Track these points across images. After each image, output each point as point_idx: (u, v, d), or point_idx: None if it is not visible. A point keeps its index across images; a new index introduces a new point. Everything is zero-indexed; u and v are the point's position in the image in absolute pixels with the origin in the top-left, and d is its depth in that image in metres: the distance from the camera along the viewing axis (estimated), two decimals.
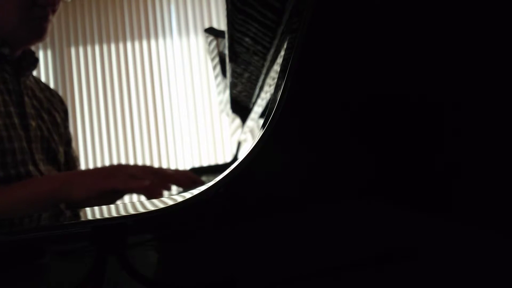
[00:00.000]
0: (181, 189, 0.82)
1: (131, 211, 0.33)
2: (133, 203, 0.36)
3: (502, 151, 0.31)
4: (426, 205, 0.32)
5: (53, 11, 0.83)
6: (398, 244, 0.32)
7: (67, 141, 0.96)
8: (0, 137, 0.74)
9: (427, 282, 0.31)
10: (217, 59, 1.03)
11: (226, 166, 1.07)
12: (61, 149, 0.90)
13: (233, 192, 0.32)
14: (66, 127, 0.97)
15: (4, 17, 0.78)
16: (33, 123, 0.83)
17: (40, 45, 2.82)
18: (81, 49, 2.95)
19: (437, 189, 0.32)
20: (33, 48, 0.89)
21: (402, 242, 0.32)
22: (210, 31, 0.97)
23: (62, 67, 2.92)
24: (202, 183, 0.73)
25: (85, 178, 0.67)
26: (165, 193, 0.73)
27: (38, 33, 0.82)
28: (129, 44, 2.96)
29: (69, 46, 2.93)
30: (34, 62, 0.88)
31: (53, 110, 0.93)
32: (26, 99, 0.84)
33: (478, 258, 0.31)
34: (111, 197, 0.73)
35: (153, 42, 2.97)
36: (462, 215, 0.32)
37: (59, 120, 0.93)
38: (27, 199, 0.64)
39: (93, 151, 2.91)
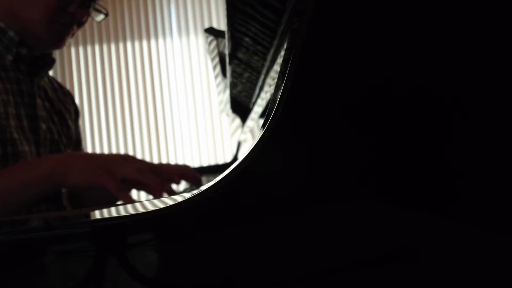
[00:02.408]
0: (181, 189, 0.81)
1: (131, 211, 0.33)
2: (133, 203, 0.36)
3: (502, 151, 0.31)
4: (426, 205, 0.32)
5: (79, 24, 0.82)
6: (398, 244, 0.32)
7: (76, 141, 0.95)
8: (13, 139, 0.73)
9: (427, 282, 0.31)
10: (217, 59, 1.03)
11: (226, 166, 1.07)
12: (69, 152, 0.90)
13: (233, 192, 0.32)
14: (77, 126, 0.96)
15: (31, 16, 0.77)
16: (44, 126, 0.82)
17: None
18: (81, 49, 2.95)
19: (437, 189, 0.32)
20: None
21: (402, 242, 0.32)
22: (210, 31, 0.97)
23: (62, 67, 2.92)
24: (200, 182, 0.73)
25: (84, 165, 0.63)
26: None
27: (58, 39, 0.81)
28: (129, 44, 2.96)
29: (69, 46, 2.93)
30: (50, 62, 0.86)
31: (64, 111, 0.91)
32: (38, 101, 0.82)
33: (478, 258, 0.31)
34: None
35: (153, 42, 2.97)
36: (462, 215, 0.32)
37: (69, 121, 0.92)
38: (21, 182, 0.62)
39: (93, 151, 2.91)
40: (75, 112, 0.97)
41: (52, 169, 0.63)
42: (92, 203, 0.83)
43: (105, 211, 0.34)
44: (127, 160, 0.65)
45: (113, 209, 0.35)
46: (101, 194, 0.68)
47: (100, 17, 0.87)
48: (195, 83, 2.96)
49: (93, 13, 0.85)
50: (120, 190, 0.60)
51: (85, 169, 0.62)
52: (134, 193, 0.78)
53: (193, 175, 0.75)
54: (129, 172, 0.62)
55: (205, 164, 2.44)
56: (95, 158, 0.67)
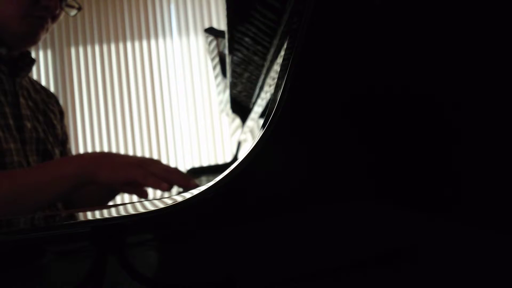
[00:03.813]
0: (181, 189, 0.81)
1: (131, 211, 0.33)
2: (133, 203, 0.36)
3: (502, 151, 0.31)
4: (426, 205, 0.32)
5: (53, 18, 0.83)
6: (398, 244, 0.32)
7: (62, 141, 0.96)
8: None
9: (427, 282, 0.31)
10: (217, 59, 1.02)
11: (226, 166, 1.07)
12: (56, 151, 0.90)
13: (233, 192, 0.32)
14: (62, 126, 0.97)
15: (4, 12, 0.77)
16: (28, 125, 0.83)
17: (40, 45, 2.82)
18: (81, 49, 2.95)
19: (437, 189, 0.32)
20: (33, 47, 0.88)
21: (402, 242, 0.32)
22: (210, 31, 0.97)
23: (62, 67, 2.92)
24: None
25: (114, 161, 0.66)
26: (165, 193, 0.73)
27: (33, 34, 0.81)
28: (129, 44, 2.96)
29: (69, 46, 2.93)
30: (30, 63, 0.87)
31: (48, 111, 0.92)
32: (21, 100, 0.83)
33: (478, 258, 0.31)
34: (128, 189, 0.74)
35: (153, 42, 2.97)
36: (462, 215, 0.32)
37: (54, 121, 0.93)
38: (54, 178, 0.64)
39: (92, 151, 2.91)
40: (60, 113, 0.98)
41: (83, 166, 0.65)
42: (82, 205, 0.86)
43: (105, 211, 0.34)
44: (156, 161, 0.68)
45: (113, 209, 0.35)
46: (95, 196, 0.70)
47: (74, 12, 0.87)
48: (195, 83, 2.96)
49: (67, 9, 0.85)
50: (148, 177, 0.63)
51: (116, 167, 0.65)
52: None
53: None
54: (158, 171, 0.65)
55: (205, 164, 2.44)
56: (126, 158, 0.70)
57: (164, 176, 0.64)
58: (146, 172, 0.64)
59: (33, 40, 0.82)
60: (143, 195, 0.74)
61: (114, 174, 0.64)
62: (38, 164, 0.73)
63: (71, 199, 0.87)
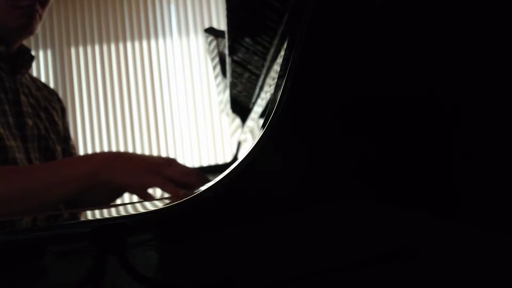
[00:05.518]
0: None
1: (131, 211, 0.33)
2: (133, 203, 0.36)
3: (502, 151, 0.31)
4: (426, 205, 0.32)
5: (42, 4, 0.81)
6: (398, 244, 0.32)
7: (64, 138, 0.96)
8: (0, 134, 0.74)
9: (427, 282, 0.31)
10: (217, 59, 1.02)
11: (226, 166, 1.07)
12: (58, 148, 0.90)
13: (233, 192, 0.32)
14: (64, 123, 0.97)
15: None
16: (30, 122, 0.83)
17: (40, 45, 2.82)
18: (81, 49, 2.95)
19: (437, 189, 0.32)
20: (33, 47, 0.88)
21: (402, 242, 0.32)
22: (210, 31, 0.97)
23: (62, 67, 2.92)
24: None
25: (129, 165, 0.64)
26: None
27: (26, 25, 0.80)
28: (129, 44, 2.96)
29: (69, 46, 2.93)
30: (30, 59, 0.86)
31: (50, 108, 0.92)
32: (22, 97, 0.83)
33: (478, 258, 0.31)
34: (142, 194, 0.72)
35: (153, 42, 2.97)
36: (462, 215, 0.32)
37: (56, 118, 0.93)
38: (66, 178, 0.61)
39: (92, 151, 2.91)
40: (61, 110, 0.97)
41: (96, 168, 0.62)
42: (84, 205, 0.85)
43: (105, 211, 0.34)
44: (172, 163, 0.67)
45: (113, 209, 0.35)
46: (96, 196, 0.69)
47: None
48: (195, 83, 2.96)
49: None
50: (166, 185, 0.62)
51: (133, 171, 0.63)
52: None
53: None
54: (175, 175, 0.64)
55: (205, 164, 2.44)
56: (142, 161, 0.67)
57: (182, 180, 0.63)
58: (164, 180, 0.62)
59: (28, 31, 0.81)
60: (149, 198, 0.72)
61: (131, 180, 0.62)
62: (50, 162, 0.71)
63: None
